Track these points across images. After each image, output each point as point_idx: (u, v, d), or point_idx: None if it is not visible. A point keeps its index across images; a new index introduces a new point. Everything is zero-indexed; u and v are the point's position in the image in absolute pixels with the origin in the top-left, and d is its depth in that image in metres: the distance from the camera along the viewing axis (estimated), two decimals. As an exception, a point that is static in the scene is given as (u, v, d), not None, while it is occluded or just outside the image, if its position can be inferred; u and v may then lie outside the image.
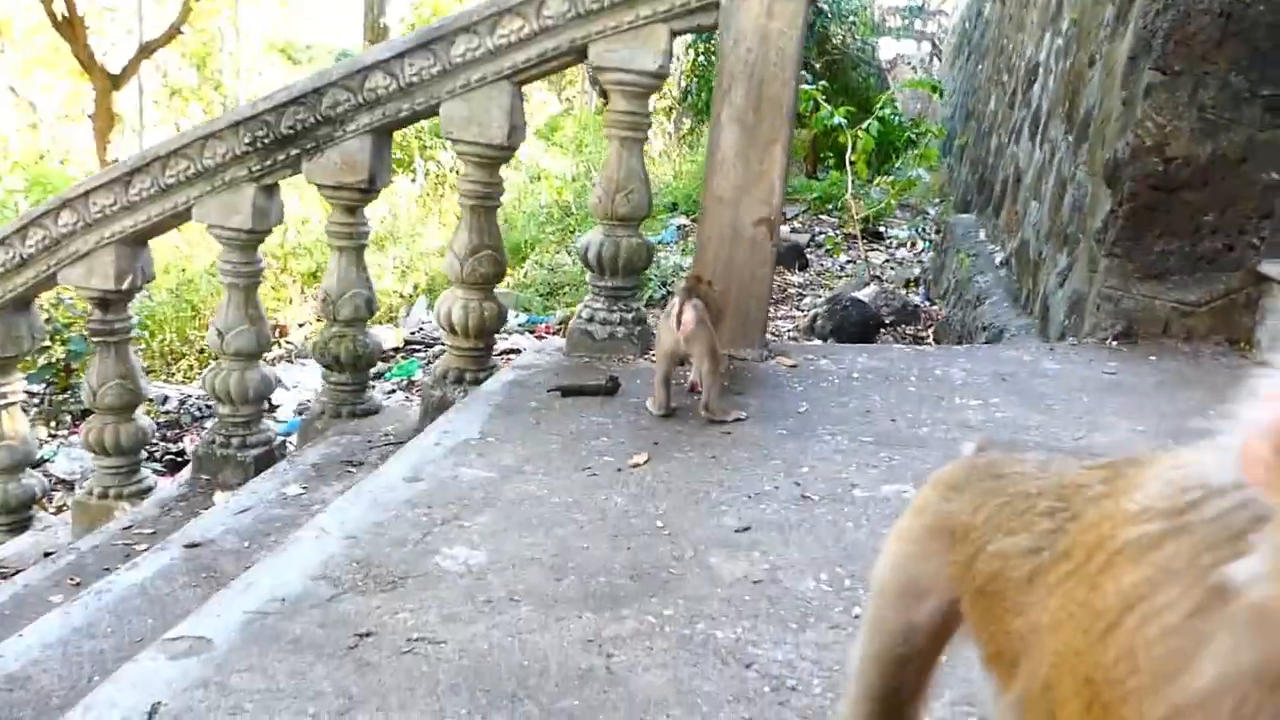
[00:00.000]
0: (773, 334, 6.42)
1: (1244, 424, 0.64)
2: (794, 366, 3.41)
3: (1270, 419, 0.62)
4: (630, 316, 3.62)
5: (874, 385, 3.20)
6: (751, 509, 2.23)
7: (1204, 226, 3.54)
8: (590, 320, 3.60)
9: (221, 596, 1.85)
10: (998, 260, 6.14)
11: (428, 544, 2.06)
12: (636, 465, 2.51)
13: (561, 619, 1.76)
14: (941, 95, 9.75)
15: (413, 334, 7.77)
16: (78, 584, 2.86)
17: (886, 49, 16.80)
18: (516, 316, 7.79)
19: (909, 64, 15.23)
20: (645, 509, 2.24)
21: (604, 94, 3.70)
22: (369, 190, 3.70)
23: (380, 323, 8.15)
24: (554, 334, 6.68)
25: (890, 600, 1.10)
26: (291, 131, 3.58)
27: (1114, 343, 3.58)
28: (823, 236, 8.69)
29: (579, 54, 3.47)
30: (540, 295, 8.11)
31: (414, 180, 12.51)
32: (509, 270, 8.87)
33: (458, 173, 6.01)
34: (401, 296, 8.64)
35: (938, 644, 1.08)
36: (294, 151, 3.63)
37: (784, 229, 9.08)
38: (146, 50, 15.21)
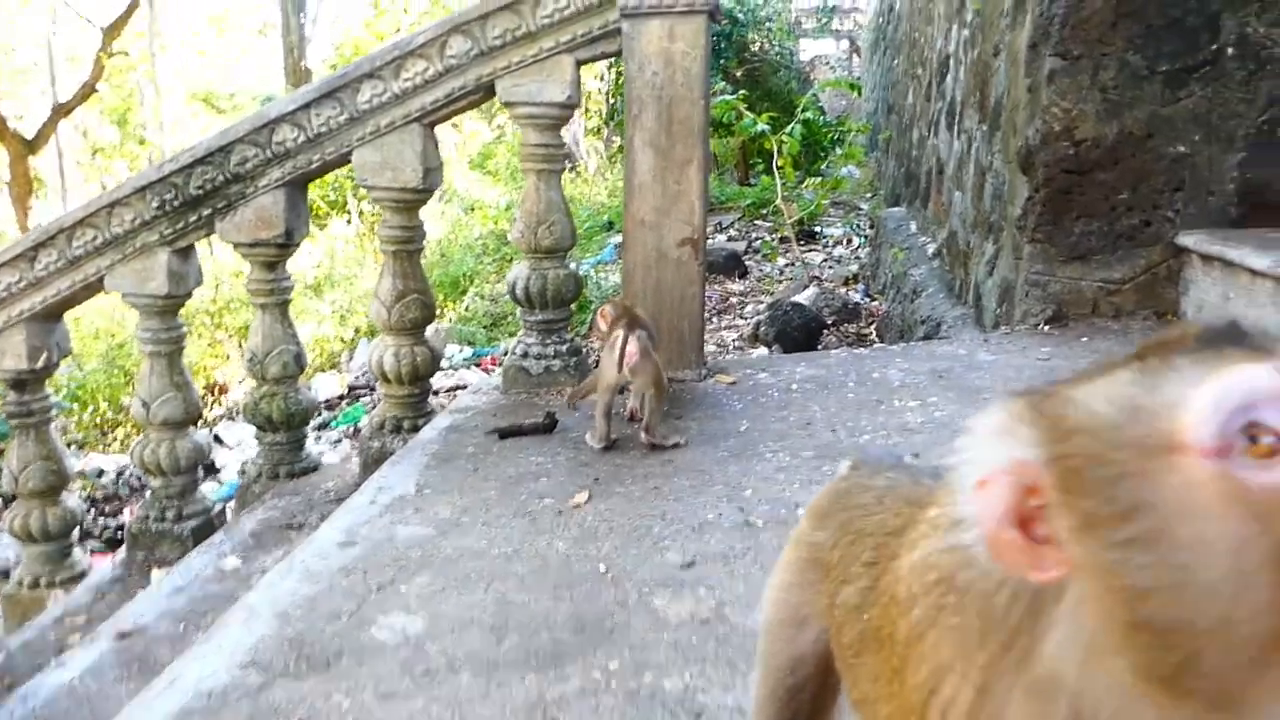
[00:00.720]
0: (718, 345, 6.42)
1: (981, 511, 0.60)
2: (734, 383, 3.37)
3: (1002, 507, 0.59)
4: (565, 349, 3.55)
5: (813, 395, 3.17)
6: (695, 541, 2.18)
7: (1119, 205, 3.57)
8: (525, 356, 3.53)
9: (144, 697, 1.75)
10: (930, 251, 6.19)
11: (363, 615, 1.98)
12: (578, 505, 2.45)
13: (503, 684, 1.69)
14: (860, 92, 9.84)
15: (357, 379, 7.62)
16: (10, 685, 2.71)
17: (807, 50, 16.98)
18: (461, 351, 7.69)
19: (828, 64, 15.40)
20: (587, 551, 2.18)
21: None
22: (286, 245, 3.60)
23: (323, 370, 7.99)
24: (500, 365, 6.60)
25: (776, 632, 1.07)
26: (201, 192, 3.48)
27: (1046, 327, 3.60)
28: (759, 242, 8.72)
29: (487, 90, 3.42)
30: (484, 327, 8.01)
31: (349, 222, 12.34)
32: (450, 305, 8.80)
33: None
34: (343, 341, 8.48)
35: (827, 672, 1.03)
36: (206, 212, 3.52)
37: (720, 237, 9.11)
38: (62, 110, 14.85)
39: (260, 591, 2.14)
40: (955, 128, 5.58)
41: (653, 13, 3.24)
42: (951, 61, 5.97)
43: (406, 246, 3.57)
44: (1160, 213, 3.56)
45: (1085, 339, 3.43)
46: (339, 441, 5.91)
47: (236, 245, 3.60)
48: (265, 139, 3.41)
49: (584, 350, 3.71)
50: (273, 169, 3.46)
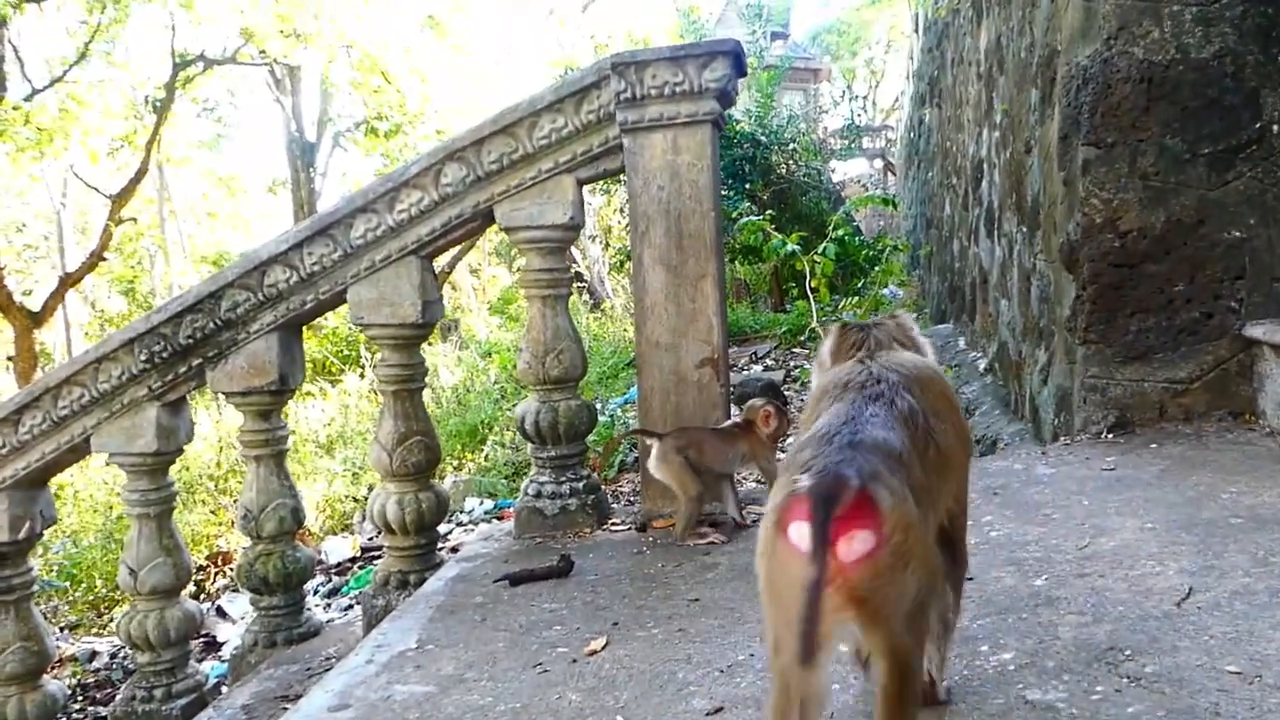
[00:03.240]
0: (757, 482, 6.33)
1: None
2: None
3: None
4: (581, 485, 3.52)
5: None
6: (724, 685, 2.08)
7: (1176, 297, 3.54)
8: (538, 496, 3.50)
9: None
10: (981, 367, 6.15)
11: (351, 786, 1.89)
12: (594, 652, 2.36)
13: None
14: (896, 207, 10.04)
15: (370, 540, 7.58)
16: None
17: (837, 171, 17.49)
18: (482, 503, 7.65)
19: (860, 183, 15.82)
20: (603, 703, 2.09)
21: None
22: (281, 391, 3.66)
23: (334, 532, 7.98)
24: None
25: None
26: (191, 341, 3.57)
27: (1109, 435, 3.51)
28: (798, 370, 8.72)
29: (485, 217, 3.53)
30: (505, 477, 8.00)
31: (362, 376, 12.59)
32: (468, 455, 8.83)
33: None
34: (355, 501, 8.49)
35: None
36: (196, 362, 3.60)
37: (757, 368, 9.14)
38: (69, 281, 15.52)
39: (239, 766, 2.06)
40: (995, 233, 5.64)
41: (655, 126, 3.36)
42: (985, 165, 6.10)
43: (407, 385, 3.61)
44: (1222, 303, 3.52)
45: (1154, 445, 3.34)
46: (350, 608, 5.83)
47: (229, 395, 3.67)
48: (256, 282, 3.52)
49: (601, 488, 3.67)
50: (265, 313, 3.55)
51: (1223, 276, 3.52)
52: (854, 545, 1.32)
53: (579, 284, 16.37)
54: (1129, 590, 2.24)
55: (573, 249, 16.46)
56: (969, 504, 1.85)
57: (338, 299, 3.57)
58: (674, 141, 3.37)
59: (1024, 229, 4.68)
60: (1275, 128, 3.49)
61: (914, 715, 1.46)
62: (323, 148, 19.24)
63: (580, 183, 3.51)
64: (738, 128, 11.52)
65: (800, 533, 1.31)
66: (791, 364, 9.07)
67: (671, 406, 3.40)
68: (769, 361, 9.29)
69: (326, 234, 3.48)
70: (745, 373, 8.85)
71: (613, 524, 3.49)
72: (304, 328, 3.81)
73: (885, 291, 10.80)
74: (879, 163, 19.68)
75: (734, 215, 9.54)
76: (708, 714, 1.97)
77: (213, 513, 8.01)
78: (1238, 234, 3.51)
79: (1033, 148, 4.45)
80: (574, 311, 13.86)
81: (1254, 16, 3.48)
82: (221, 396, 3.73)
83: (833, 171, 15.97)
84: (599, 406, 7.34)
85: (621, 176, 3.55)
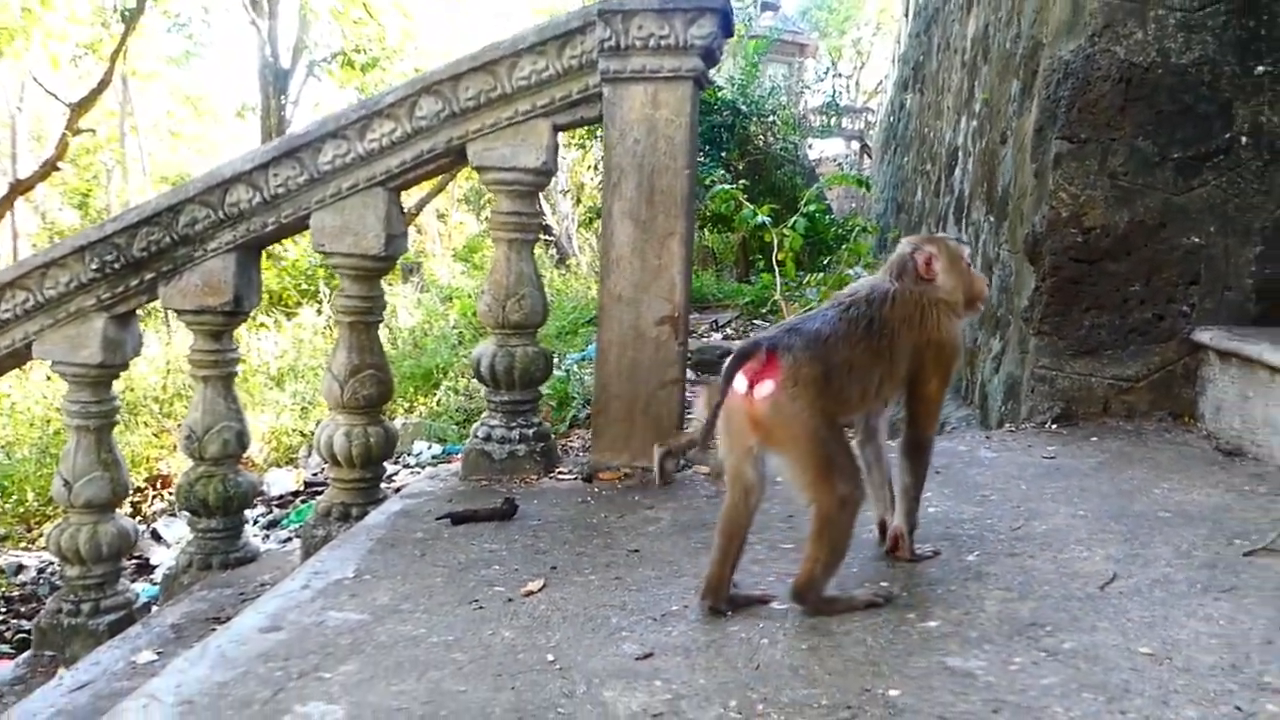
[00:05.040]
0: (711, 446, 6.39)
1: None
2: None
3: None
4: (531, 432, 3.54)
5: (799, 488, 3.14)
6: (656, 633, 2.13)
7: (1131, 297, 3.62)
8: (487, 439, 3.51)
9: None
10: (937, 352, 6.23)
11: (278, 703, 1.91)
12: (530, 593, 2.40)
13: (424, 777, 1.62)
14: (869, 189, 10.10)
15: (315, 475, 7.57)
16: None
17: (815, 149, 17.52)
18: (430, 447, 7.66)
19: (836, 163, 15.84)
20: (536, 641, 2.12)
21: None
22: (235, 313, 3.63)
23: (278, 464, 7.94)
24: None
25: None
26: (145, 254, 3.52)
27: (1053, 425, 3.60)
28: (757, 342, 8.79)
29: (458, 154, 3.51)
30: (456, 423, 8.00)
31: (319, 311, 12.47)
32: (421, 399, 8.81)
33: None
34: (302, 435, 8.45)
35: None
36: (149, 275, 3.56)
37: (717, 336, 9.19)
38: (19, 188, 15.13)
39: (165, 678, 2.07)
40: (963, 221, 5.71)
41: (635, 78, 3.35)
42: (960, 154, 6.16)
43: (365, 318, 3.59)
44: (1175, 306, 3.61)
45: (1095, 439, 3.43)
46: (289, 540, 5.82)
47: (180, 313, 3.63)
48: (218, 200, 3.48)
49: (551, 436, 3.69)
50: (224, 231, 3.52)
51: (1178, 281, 3.60)
52: (761, 389, 2.04)
53: (547, 238, 16.29)
54: (1056, 572, 2.31)
55: (543, 203, 16.37)
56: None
57: (300, 224, 3.55)
58: (654, 95, 3.37)
59: (992, 218, 4.75)
60: (1244, 139, 3.56)
61: (825, 551, 2.11)
62: (297, 75, 18.86)
63: (556, 128, 3.50)
64: (719, 94, 11.49)
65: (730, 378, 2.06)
66: (751, 335, 9.13)
67: (628, 361, 3.43)
68: (729, 331, 9.35)
69: (294, 156, 3.44)
70: (704, 340, 8.90)
71: (560, 473, 3.52)
72: (264, 255, 3.77)
73: (851, 272, 10.89)
74: (856, 144, 19.72)
75: (707, 182, 9.53)
76: (637, 658, 2.01)
77: (155, 435, 7.93)
78: (1197, 240, 3.59)
79: (1008, 138, 4.50)
80: (540, 265, 13.84)
81: (1235, 28, 3.54)
82: (173, 318, 3.68)
83: (809, 148, 15.97)
84: (556, 361, 7.36)
85: (599, 127, 3.54)
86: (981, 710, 1.71)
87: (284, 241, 5.85)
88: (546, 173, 3.50)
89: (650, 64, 3.33)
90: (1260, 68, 3.54)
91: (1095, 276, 3.64)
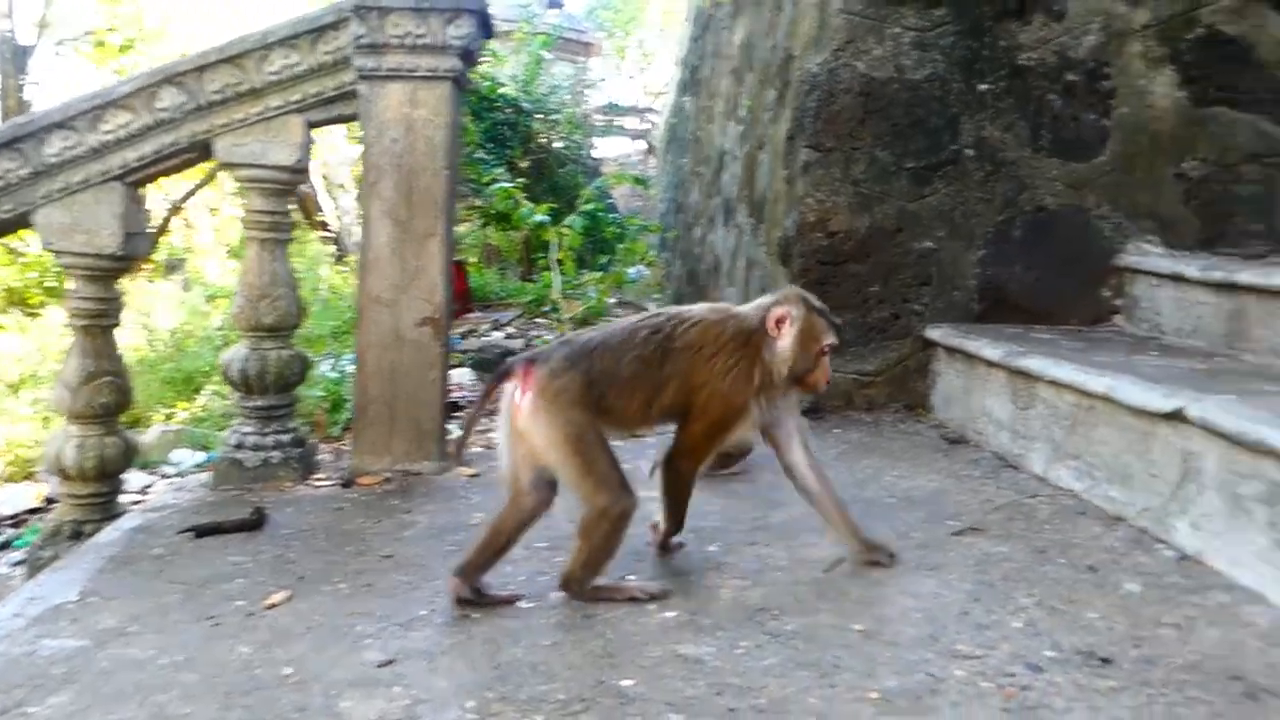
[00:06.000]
0: (487, 446, 6.38)
1: None
2: (475, 475, 3.36)
3: None
4: (287, 438, 3.44)
5: (560, 487, 3.20)
6: (400, 639, 2.12)
7: (871, 297, 3.89)
8: (239, 447, 3.38)
9: None
10: (708, 350, 6.47)
11: (-23, 741, 1.78)
12: (273, 606, 2.33)
13: (137, 805, 1.55)
14: (648, 187, 10.34)
15: (59, 490, 7.00)
16: None
17: (601, 148, 17.71)
18: (193, 455, 7.25)
19: (618, 163, 16.09)
20: (274, 655, 2.07)
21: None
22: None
23: (13, 480, 7.31)
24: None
25: None
26: None
27: (803, 417, 3.81)
28: (538, 340, 8.82)
29: (204, 150, 3.35)
30: (221, 429, 7.60)
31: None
32: (182, 404, 8.32)
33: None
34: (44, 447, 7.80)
35: None
36: None
37: (498, 335, 9.17)
38: None
39: None
40: (730, 223, 5.96)
41: (393, 76, 3.31)
42: (727, 158, 6.41)
43: (100, 321, 3.38)
44: (909, 306, 3.91)
45: (838, 430, 3.67)
46: (21, 563, 5.37)
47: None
48: (-75, 192, 3.18)
49: (309, 440, 3.59)
50: (-67, 227, 3.22)
51: (912, 282, 3.90)
52: (524, 399, 2.13)
53: (326, 234, 15.74)
54: (788, 559, 2.47)
55: (326, 198, 15.80)
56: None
57: (22, 221, 3.29)
58: (412, 94, 3.34)
59: (752, 221, 4.98)
60: (969, 151, 3.89)
61: (587, 551, 2.19)
62: (40, 53, 17.36)
63: (311, 125, 3.42)
64: (500, 91, 11.44)
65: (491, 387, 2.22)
66: (532, 334, 9.15)
67: (388, 364, 3.38)
68: (511, 330, 9.33)
69: (13, 147, 3.19)
70: (484, 339, 8.86)
71: (317, 479, 3.43)
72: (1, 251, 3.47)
73: (631, 271, 11.11)
74: (642, 144, 20.11)
75: (486, 180, 9.49)
76: (378, 665, 2.00)
77: None
78: (929, 244, 3.90)
79: (765, 144, 4.73)
80: (317, 263, 13.28)
81: (961, 48, 3.87)
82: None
83: (594, 148, 16.14)
84: (332, 361, 7.15)
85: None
86: (706, 693, 1.80)
87: (22, 235, 5.39)
88: (300, 170, 3.41)
89: (408, 63, 3.30)
90: (983, 85, 3.88)
91: (840, 278, 3.89)
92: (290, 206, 3.53)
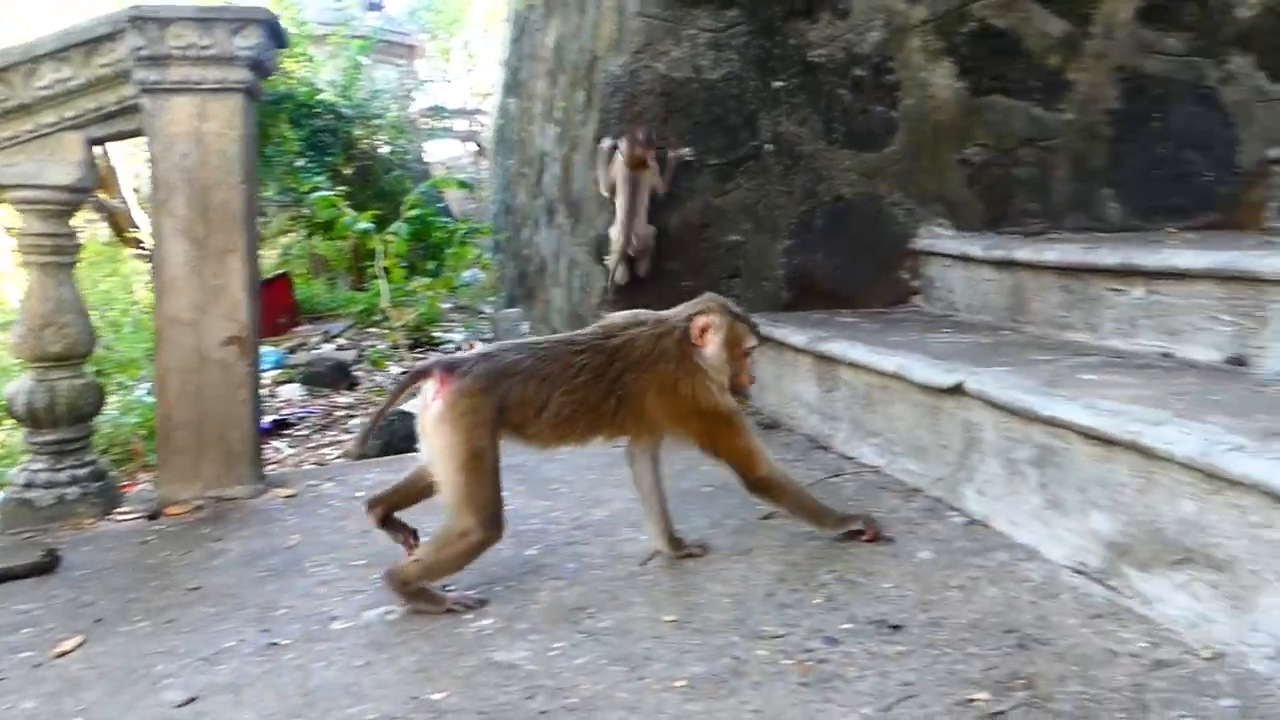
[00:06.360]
0: (318, 464, 6.19)
1: None
2: (292, 496, 3.26)
3: None
4: (85, 472, 3.24)
5: (382, 501, 3.14)
6: (204, 674, 2.04)
7: (686, 292, 3.93)
8: (29, 486, 3.17)
9: None
10: (540, 350, 6.46)
11: None
12: (64, 653, 2.20)
13: None
14: (471, 190, 10.26)
15: None
16: None
17: (432, 151, 17.42)
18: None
19: (447, 166, 15.88)
20: (63, 707, 1.95)
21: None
22: None
23: None
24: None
25: None
26: None
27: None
28: (370, 350, 8.62)
29: (-29, 170, 3.12)
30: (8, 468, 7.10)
31: None
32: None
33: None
34: None
35: None
36: None
37: (329, 346, 8.91)
38: None
39: None
40: (552, 224, 5.97)
41: (179, 89, 3.16)
42: (547, 159, 6.41)
43: None
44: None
45: (661, 423, 3.73)
46: None
47: None
48: None
49: (110, 474, 3.41)
50: None
51: (722, 274, 4.00)
52: (433, 404, 2.14)
53: (142, 251, 14.93)
54: (605, 555, 2.50)
55: (137, 212, 14.96)
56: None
57: None
58: (201, 107, 3.20)
59: (571, 221, 5.00)
60: (768, 147, 4.02)
61: (431, 561, 2.20)
62: None
63: (91, 142, 3.23)
64: (320, 97, 11.10)
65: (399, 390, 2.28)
66: (364, 344, 8.93)
67: (192, 387, 3.24)
68: (342, 341, 9.09)
69: None
70: (314, 351, 8.61)
71: (121, 513, 3.25)
72: None
73: (466, 274, 10.98)
74: (472, 145, 19.89)
75: (307, 189, 9.20)
76: (178, 705, 1.92)
77: None
78: (736, 238, 4.01)
79: (578, 146, 4.76)
80: (130, 281, 12.56)
81: (754, 47, 3.98)
82: None
83: (424, 151, 15.86)
84: (149, 385, 6.77)
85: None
86: (519, 698, 1.81)
87: None
88: (82, 190, 3.22)
89: (194, 75, 3.16)
90: (777, 82, 4.01)
91: (655, 274, 3.95)
92: (73, 228, 3.32)
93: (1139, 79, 4.23)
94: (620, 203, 3.78)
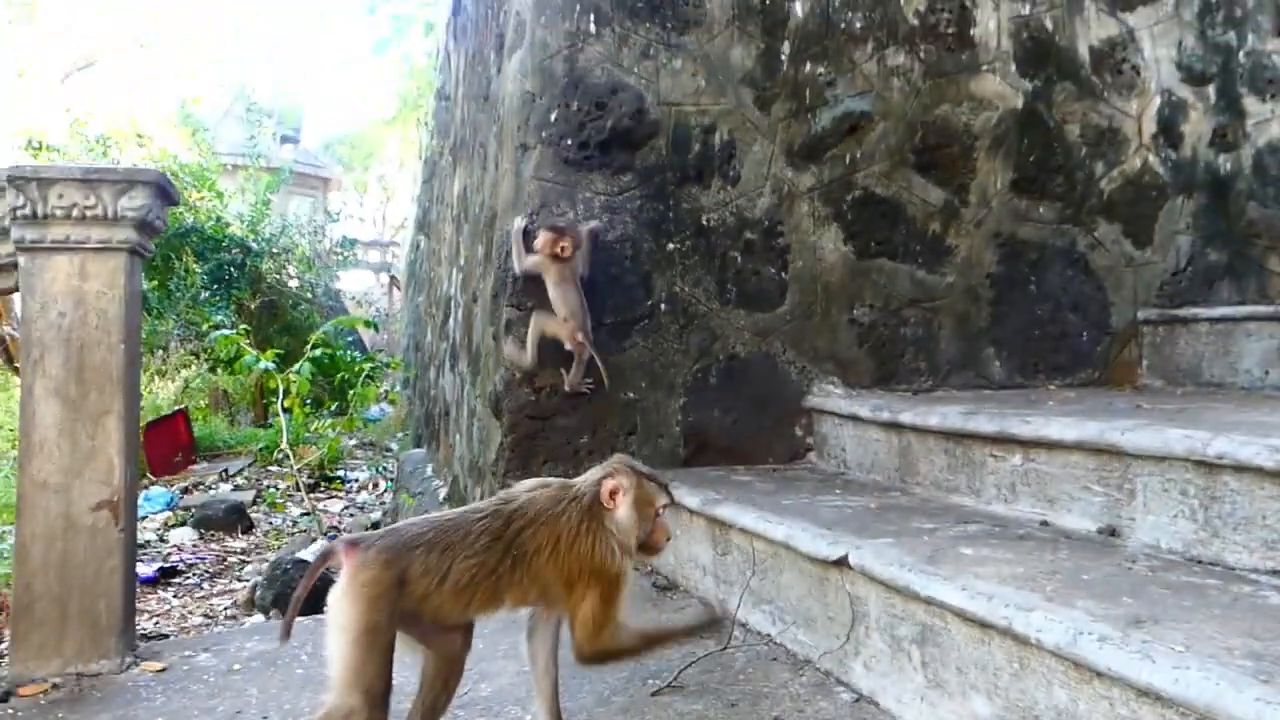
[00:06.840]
0: (206, 616, 5.89)
1: None
2: (163, 670, 3.07)
3: None
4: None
5: (256, 675, 2.98)
6: None
7: (581, 448, 3.95)
8: None
9: None
10: (441, 496, 6.34)
11: None
12: None
13: None
14: (377, 329, 10.20)
15: None
16: None
17: (344, 283, 17.37)
18: None
19: (355, 299, 15.86)
20: None
21: None
22: None
23: None
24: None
25: None
26: None
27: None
28: (271, 490, 8.36)
29: None
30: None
31: None
32: None
33: None
34: None
35: None
36: None
37: (226, 487, 8.61)
38: None
39: None
40: (455, 369, 5.94)
41: (58, 248, 3.10)
42: (453, 303, 6.43)
43: None
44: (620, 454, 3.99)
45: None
46: None
47: None
48: None
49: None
50: None
51: (619, 431, 4.00)
52: (339, 578, 2.05)
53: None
54: (485, 743, 2.39)
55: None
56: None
57: None
58: (82, 267, 3.13)
59: (470, 371, 4.98)
60: (663, 306, 4.08)
61: None
62: None
63: (-36, 299, 3.12)
64: (227, 231, 11.04)
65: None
66: (264, 483, 8.67)
67: (57, 555, 3.07)
68: (240, 480, 8.81)
69: None
70: (211, 492, 8.31)
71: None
72: None
73: (374, 409, 10.84)
74: (385, 277, 19.93)
75: (210, 325, 9.04)
76: None
77: None
78: (632, 395, 4.02)
79: (478, 298, 4.78)
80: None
81: (648, 210, 4.08)
82: None
83: (337, 281, 15.80)
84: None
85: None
86: None
87: None
88: (-50, 349, 3.09)
89: (75, 234, 3.11)
90: (671, 244, 4.10)
91: (549, 431, 3.93)
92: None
93: (1015, 244, 4.45)
94: (571, 299, 3.78)
